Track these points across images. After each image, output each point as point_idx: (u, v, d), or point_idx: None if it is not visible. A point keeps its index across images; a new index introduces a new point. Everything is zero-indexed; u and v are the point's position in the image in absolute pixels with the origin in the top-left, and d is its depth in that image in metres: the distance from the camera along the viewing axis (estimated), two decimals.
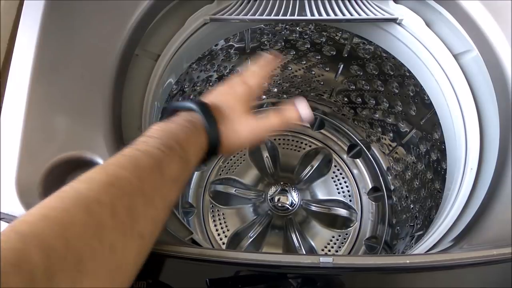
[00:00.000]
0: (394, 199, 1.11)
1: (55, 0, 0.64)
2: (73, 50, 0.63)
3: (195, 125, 0.49)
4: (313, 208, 1.15)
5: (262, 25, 0.94)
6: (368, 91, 1.05)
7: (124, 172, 0.37)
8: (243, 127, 0.52)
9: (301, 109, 0.53)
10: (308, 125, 1.27)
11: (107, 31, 0.64)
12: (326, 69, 1.08)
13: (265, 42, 1.01)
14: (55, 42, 0.62)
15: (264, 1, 0.78)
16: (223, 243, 1.13)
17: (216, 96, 0.55)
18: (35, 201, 0.52)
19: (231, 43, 0.96)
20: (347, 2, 0.75)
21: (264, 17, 0.74)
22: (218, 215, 1.17)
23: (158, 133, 0.45)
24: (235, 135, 0.52)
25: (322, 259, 0.45)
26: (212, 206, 1.18)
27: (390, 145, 1.11)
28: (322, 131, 1.26)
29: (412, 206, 0.99)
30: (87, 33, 0.64)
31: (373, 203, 1.18)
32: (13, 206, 0.51)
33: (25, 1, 0.65)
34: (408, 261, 0.45)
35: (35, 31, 0.62)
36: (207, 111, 0.50)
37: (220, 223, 1.16)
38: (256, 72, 0.56)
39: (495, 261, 0.44)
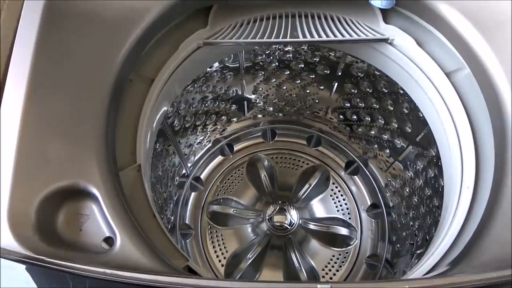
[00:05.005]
0: (394, 216, 1.11)
1: (49, 25, 0.64)
2: (67, 75, 0.63)
3: None
4: (312, 227, 1.14)
5: (256, 47, 0.94)
6: (363, 108, 1.05)
7: None
8: None
9: None
10: (305, 143, 1.27)
11: (101, 56, 0.64)
12: (321, 87, 1.08)
13: (260, 62, 1.02)
14: (49, 66, 0.62)
15: (257, 24, 0.79)
16: (222, 265, 1.11)
17: None
18: (28, 233, 0.52)
19: (225, 64, 0.97)
20: (338, 23, 0.76)
21: (256, 40, 0.75)
22: (217, 236, 1.16)
23: None
24: None
25: (319, 286, 0.44)
26: (210, 227, 1.17)
27: (387, 161, 1.10)
28: (319, 148, 1.26)
29: (411, 223, 0.98)
30: (81, 58, 0.64)
31: (373, 220, 1.17)
32: (5, 238, 0.50)
33: (18, 29, 0.65)
34: (407, 287, 0.44)
35: (28, 57, 0.62)
36: None
37: (219, 245, 1.15)
38: None
39: (495, 284, 0.44)
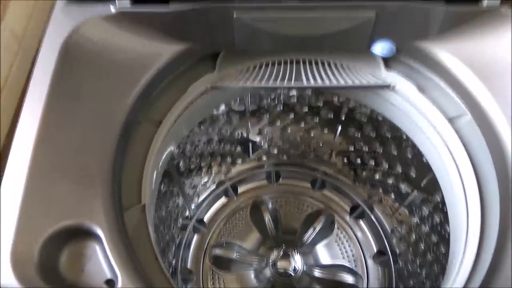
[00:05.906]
0: (401, 264, 1.08)
1: (64, 70, 0.67)
2: (78, 117, 0.64)
3: None
4: (317, 274, 1.11)
5: (262, 91, 0.97)
6: (367, 152, 1.06)
7: None
8: None
9: None
10: (309, 185, 1.27)
11: (112, 99, 0.66)
12: (325, 131, 1.10)
13: (265, 106, 1.04)
14: (61, 108, 0.64)
15: (262, 69, 0.82)
16: None
17: None
18: (30, 273, 0.51)
19: (231, 107, 0.99)
20: (340, 70, 0.79)
21: (262, 84, 0.77)
22: (218, 282, 1.13)
23: None
24: None
25: None
26: (212, 271, 1.14)
27: (393, 206, 1.09)
28: (323, 191, 1.26)
29: (419, 271, 0.95)
30: (93, 101, 0.65)
31: (379, 268, 1.13)
32: (5, 277, 0.49)
33: (34, 70, 0.68)
34: None
35: (42, 98, 0.64)
36: None
37: None
38: None
39: None
